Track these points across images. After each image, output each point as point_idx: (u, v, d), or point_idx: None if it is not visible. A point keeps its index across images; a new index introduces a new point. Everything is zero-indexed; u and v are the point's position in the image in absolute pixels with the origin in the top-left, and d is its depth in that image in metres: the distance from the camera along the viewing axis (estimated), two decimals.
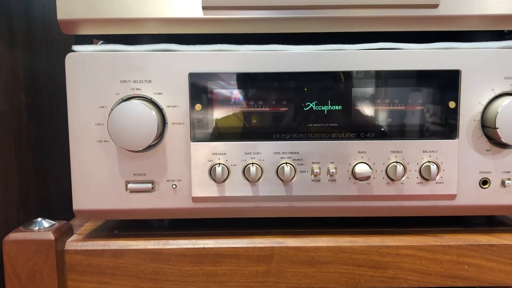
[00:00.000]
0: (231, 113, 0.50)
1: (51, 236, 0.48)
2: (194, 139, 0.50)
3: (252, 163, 0.50)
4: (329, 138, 0.50)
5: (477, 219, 0.56)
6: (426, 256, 0.50)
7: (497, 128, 0.48)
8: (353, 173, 0.50)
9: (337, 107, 0.50)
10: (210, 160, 0.50)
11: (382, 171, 0.50)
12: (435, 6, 0.49)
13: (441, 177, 0.50)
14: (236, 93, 0.50)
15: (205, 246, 0.50)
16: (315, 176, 0.50)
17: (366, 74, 0.50)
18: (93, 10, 0.49)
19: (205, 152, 0.50)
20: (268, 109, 0.50)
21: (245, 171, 0.50)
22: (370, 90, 0.50)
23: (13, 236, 0.48)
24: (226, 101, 0.50)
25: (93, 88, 0.49)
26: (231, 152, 0.50)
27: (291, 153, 0.50)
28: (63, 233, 0.50)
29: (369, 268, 0.50)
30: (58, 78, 0.67)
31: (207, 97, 0.50)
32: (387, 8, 0.49)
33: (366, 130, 0.50)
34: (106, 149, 0.50)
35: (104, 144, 0.50)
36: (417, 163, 0.50)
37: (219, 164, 0.50)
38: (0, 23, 0.55)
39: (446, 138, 0.50)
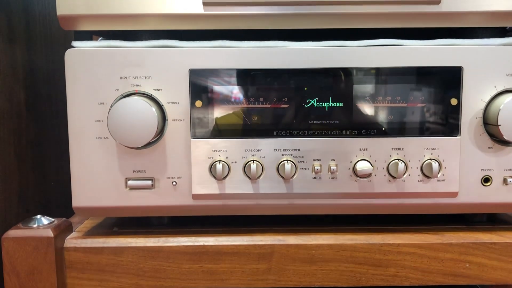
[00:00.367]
0: (231, 110, 0.50)
1: (50, 233, 0.48)
2: (195, 136, 0.50)
3: (253, 160, 0.49)
4: (330, 135, 0.50)
5: (479, 217, 0.56)
6: (427, 254, 0.50)
7: (499, 125, 0.48)
8: (354, 171, 0.50)
9: (338, 104, 0.50)
10: (210, 157, 0.50)
11: (383, 168, 0.50)
12: (437, 2, 0.49)
13: (443, 175, 0.50)
14: (237, 90, 0.50)
15: (205, 243, 0.50)
16: (316, 173, 0.50)
17: (368, 71, 0.49)
18: (92, 6, 0.49)
19: (206, 149, 0.50)
20: (269, 106, 0.50)
21: (245, 168, 0.50)
22: (371, 87, 0.50)
23: (12, 233, 0.48)
24: (226, 98, 0.50)
25: (92, 85, 0.49)
26: (232, 149, 0.50)
27: (292, 150, 0.50)
28: (63, 230, 0.50)
29: (370, 266, 0.50)
30: (57, 74, 0.67)
31: (208, 93, 0.49)
32: (389, 4, 0.49)
33: (368, 127, 0.50)
34: (106, 146, 0.50)
35: (103, 140, 0.49)
36: (419, 161, 0.50)
37: (220, 161, 0.49)
38: None
39: (447, 136, 0.50)
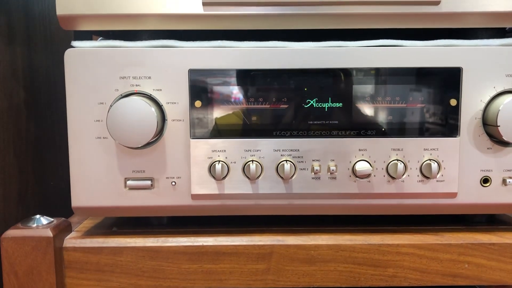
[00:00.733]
0: (231, 110, 0.50)
1: (49, 233, 0.48)
2: (194, 136, 0.50)
3: (252, 161, 0.49)
4: (330, 135, 0.50)
5: (478, 218, 0.56)
6: (426, 255, 0.50)
7: (499, 126, 0.48)
8: (353, 171, 0.50)
9: (337, 105, 0.50)
10: (209, 157, 0.50)
11: (382, 169, 0.50)
12: (437, 3, 0.49)
13: (442, 175, 0.50)
14: (236, 90, 0.50)
15: (204, 243, 0.50)
16: (315, 173, 0.50)
17: (367, 72, 0.50)
18: (92, 5, 0.49)
19: (205, 149, 0.50)
20: (268, 106, 0.50)
21: (245, 168, 0.50)
22: (371, 87, 0.50)
23: (11, 233, 0.48)
24: (226, 98, 0.50)
25: (92, 84, 0.49)
26: (231, 149, 0.50)
27: (291, 150, 0.50)
28: (62, 230, 0.50)
29: (369, 266, 0.50)
30: (57, 74, 0.67)
31: (207, 93, 0.49)
32: (389, 5, 0.49)
33: (367, 128, 0.50)
34: (105, 145, 0.50)
35: (103, 140, 0.49)
36: (418, 161, 0.50)
37: (219, 161, 0.49)
38: None
39: (447, 136, 0.50)
